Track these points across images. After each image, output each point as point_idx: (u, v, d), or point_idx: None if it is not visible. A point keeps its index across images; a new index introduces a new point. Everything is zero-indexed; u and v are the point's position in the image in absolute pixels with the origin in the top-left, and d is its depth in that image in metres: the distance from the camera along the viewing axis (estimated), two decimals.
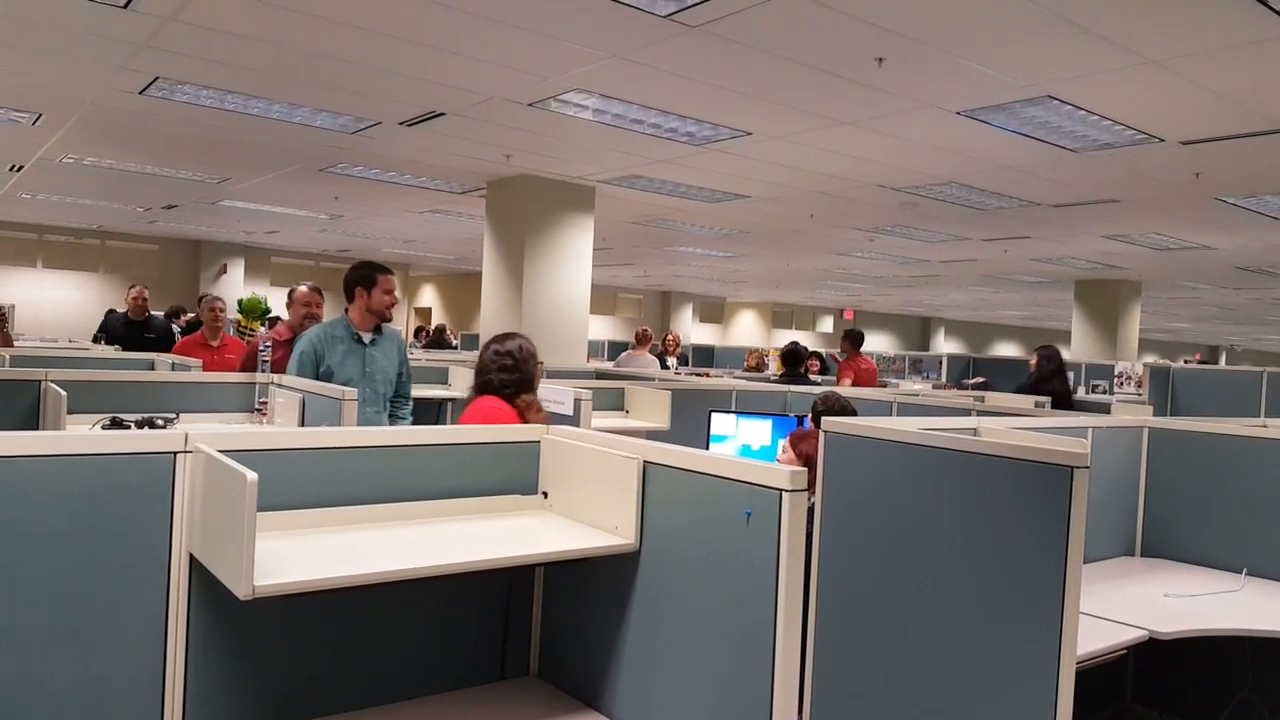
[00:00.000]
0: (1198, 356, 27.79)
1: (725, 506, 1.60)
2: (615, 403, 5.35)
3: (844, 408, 4.06)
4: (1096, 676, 2.56)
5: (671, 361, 10.62)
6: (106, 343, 7.12)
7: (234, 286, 15.66)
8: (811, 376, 7.92)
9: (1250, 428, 3.33)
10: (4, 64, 5.35)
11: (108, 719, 1.55)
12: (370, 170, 8.22)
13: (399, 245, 14.65)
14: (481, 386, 3.01)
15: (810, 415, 4.31)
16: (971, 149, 6.23)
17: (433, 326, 14.91)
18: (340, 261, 17.79)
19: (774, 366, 11.53)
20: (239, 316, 11.77)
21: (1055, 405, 5.85)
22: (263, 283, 16.45)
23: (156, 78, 5.46)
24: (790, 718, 1.51)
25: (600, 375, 7.09)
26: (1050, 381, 6.95)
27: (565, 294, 8.28)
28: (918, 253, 12.12)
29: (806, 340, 23.24)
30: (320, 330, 3.86)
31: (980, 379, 10.50)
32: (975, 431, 2.53)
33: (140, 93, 5.77)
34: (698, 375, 8.89)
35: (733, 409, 5.10)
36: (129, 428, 3.27)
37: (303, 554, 1.59)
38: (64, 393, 3.23)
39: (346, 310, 3.92)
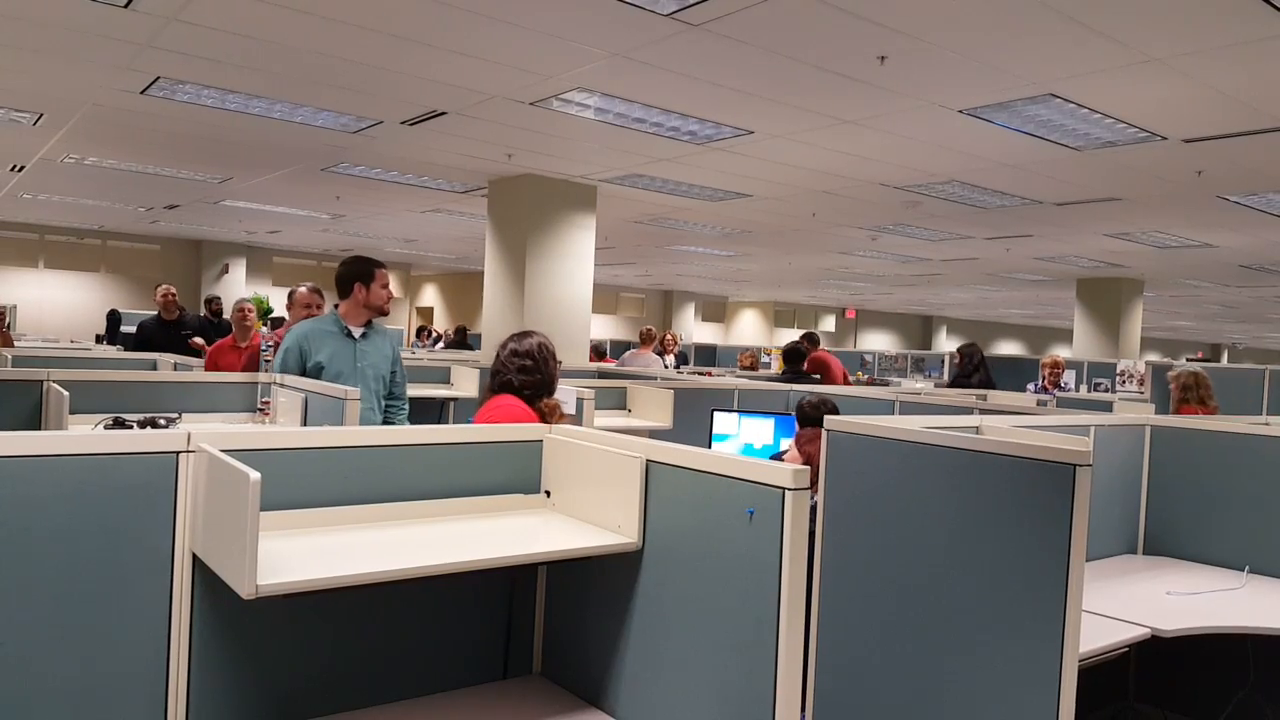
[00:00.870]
0: (1200, 355, 27.76)
1: (728, 505, 1.60)
2: (618, 402, 5.36)
3: (833, 408, 4.09)
4: (1099, 674, 2.56)
5: (669, 360, 10.61)
6: (138, 349, 6.78)
7: (236, 286, 15.67)
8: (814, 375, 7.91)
9: (1252, 426, 3.33)
10: (5, 64, 5.35)
11: (111, 717, 1.56)
12: (372, 170, 8.22)
13: (400, 245, 14.66)
14: (500, 386, 2.90)
15: (796, 415, 4.33)
16: (974, 147, 6.23)
17: (454, 327, 14.84)
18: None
19: (775, 366, 11.53)
20: None
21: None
22: (265, 283, 16.45)
23: (158, 77, 5.46)
24: (794, 715, 1.51)
25: (602, 374, 7.09)
26: (974, 375, 7.75)
27: (567, 293, 8.28)
28: (920, 251, 12.11)
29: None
30: (307, 326, 3.79)
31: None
32: (978, 430, 2.53)
33: (142, 92, 5.77)
34: (700, 374, 8.89)
35: (735, 408, 5.10)
36: (131, 428, 3.28)
37: (305, 553, 1.59)
38: (66, 393, 3.24)
39: (337, 306, 3.86)
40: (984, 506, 2.11)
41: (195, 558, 1.61)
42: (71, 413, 3.26)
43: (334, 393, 3.15)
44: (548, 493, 2.05)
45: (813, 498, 2.08)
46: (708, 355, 14.51)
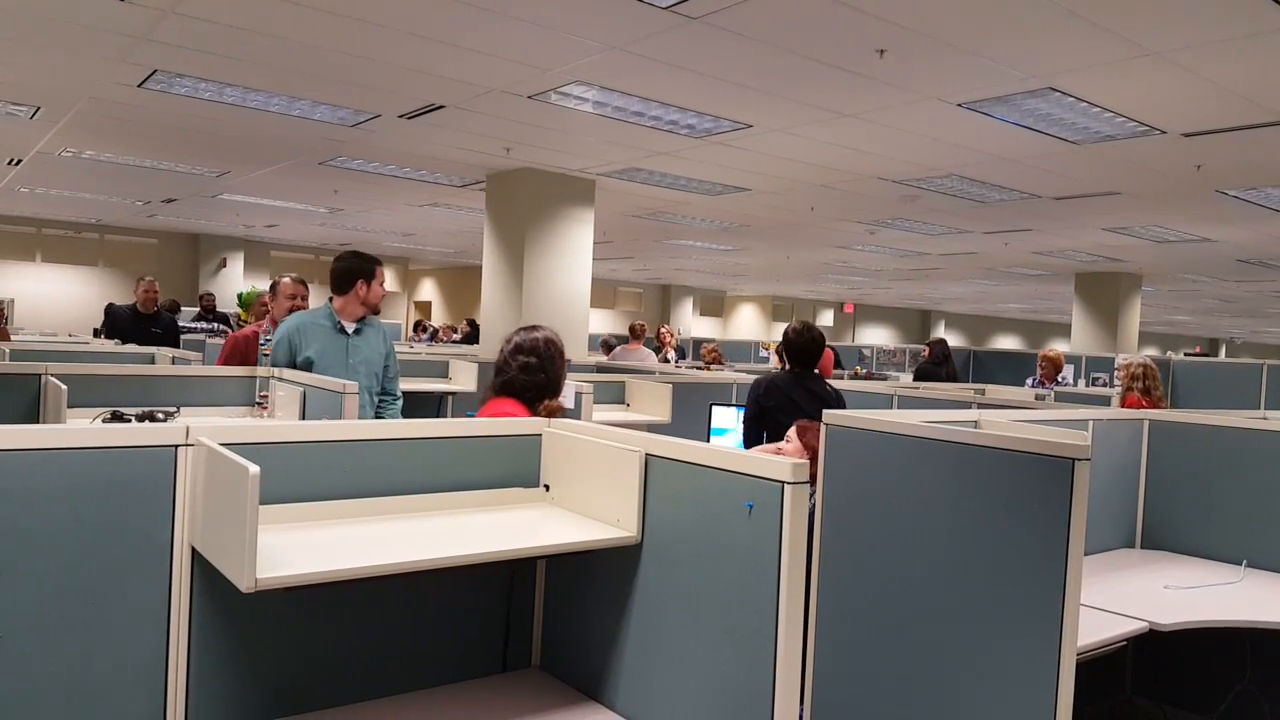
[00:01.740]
0: (1198, 349, 27.79)
1: (727, 499, 1.60)
2: (616, 396, 5.36)
3: (815, 337, 4.16)
4: (1097, 667, 2.56)
5: (670, 354, 10.59)
6: (110, 336, 6.98)
7: (233, 281, 15.65)
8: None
9: (1250, 420, 3.34)
10: (2, 57, 5.34)
11: (110, 711, 1.56)
12: (370, 163, 8.20)
13: (398, 239, 14.64)
14: (502, 387, 2.68)
15: (782, 348, 4.34)
16: (972, 141, 6.22)
17: (465, 321, 14.79)
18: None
19: (773, 361, 11.51)
20: (239, 310, 11.76)
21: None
22: (262, 277, 16.41)
23: (155, 70, 5.44)
24: (792, 708, 1.51)
25: (601, 369, 7.09)
26: (941, 367, 8.00)
27: (565, 287, 8.28)
28: (918, 246, 12.10)
29: None
30: (298, 319, 3.76)
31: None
32: (976, 424, 2.53)
33: (139, 86, 5.76)
34: (698, 369, 8.89)
35: (733, 402, 5.10)
36: (129, 421, 3.27)
37: (304, 546, 1.59)
38: (64, 386, 3.23)
39: (331, 300, 3.82)
40: (982, 501, 2.11)
41: (194, 551, 1.61)
42: (70, 406, 3.26)
43: (333, 386, 3.15)
44: (547, 486, 2.05)
45: (811, 496, 2.05)
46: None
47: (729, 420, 4.82)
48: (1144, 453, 3.50)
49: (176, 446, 1.60)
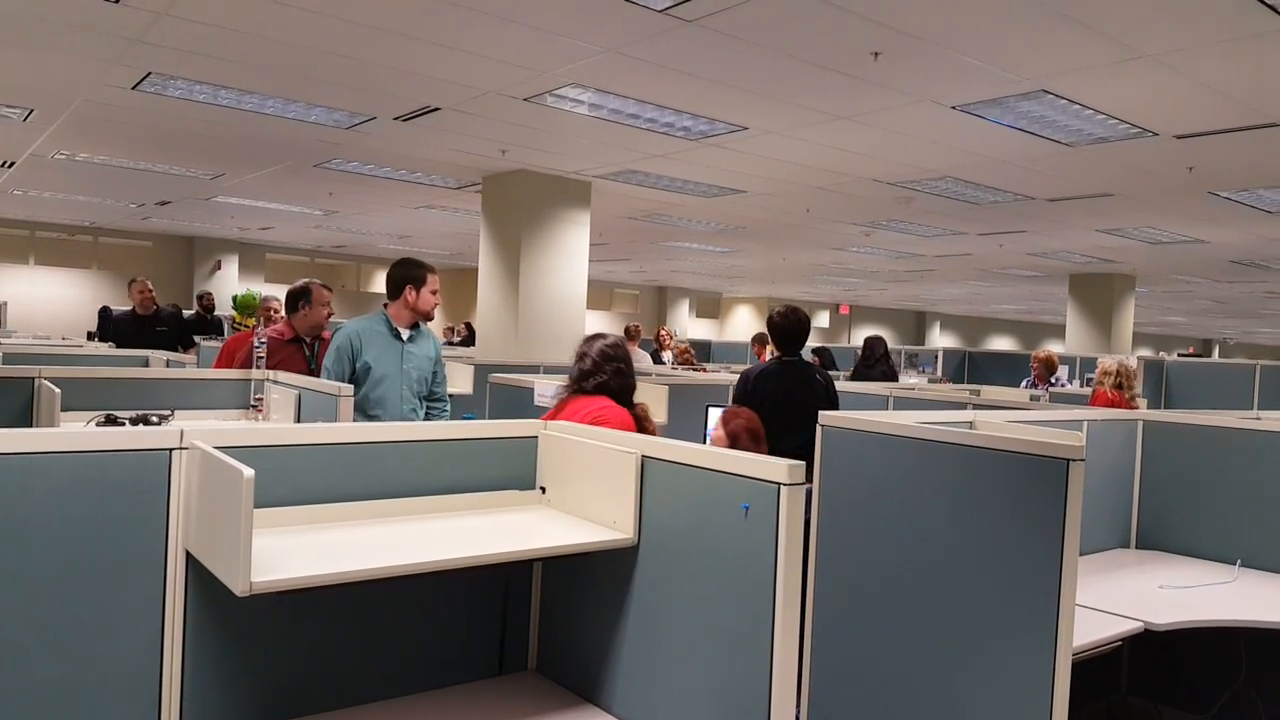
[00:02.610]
0: (1191, 350, 27.88)
1: (723, 501, 1.60)
2: None
3: (800, 319, 4.15)
4: (1092, 667, 2.57)
5: (666, 356, 10.58)
6: (117, 345, 6.80)
7: (228, 283, 15.61)
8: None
9: (1243, 420, 3.35)
10: None
11: (104, 715, 1.55)
12: (365, 166, 8.19)
13: (394, 241, 14.61)
14: (597, 388, 2.88)
15: (768, 334, 4.28)
16: (967, 143, 6.24)
17: (463, 324, 14.78)
18: (335, 258, 17.75)
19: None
20: (234, 313, 11.73)
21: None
22: (257, 279, 16.39)
23: (149, 73, 5.43)
24: (789, 709, 1.51)
25: None
26: (876, 366, 8.02)
27: (561, 289, 8.27)
28: (913, 247, 12.13)
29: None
30: (358, 324, 3.81)
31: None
32: (971, 425, 2.53)
33: (133, 88, 5.74)
34: (695, 370, 8.89)
35: (730, 403, 5.09)
36: (124, 425, 3.26)
37: (299, 550, 1.59)
38: (58, 390, 3.22)
39: (386, 306, 3.87)
40: (978, 501, 2.11)
41: (189, 555, 1.61)
42: (63, 410, 3.24)
43: (327, 389, 3.14)
44: (543, 489, 2.05)
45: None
46: (703, 351, 14.51)
47: None
48: (1138, 453, 3.51)
49: (171, 450, 1.60)
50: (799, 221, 10.28)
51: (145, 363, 4.75)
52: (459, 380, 6.03)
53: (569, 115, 6.00)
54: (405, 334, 3.79)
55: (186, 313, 10.47)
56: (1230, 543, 3.25)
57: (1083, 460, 1.94)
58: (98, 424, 3.27)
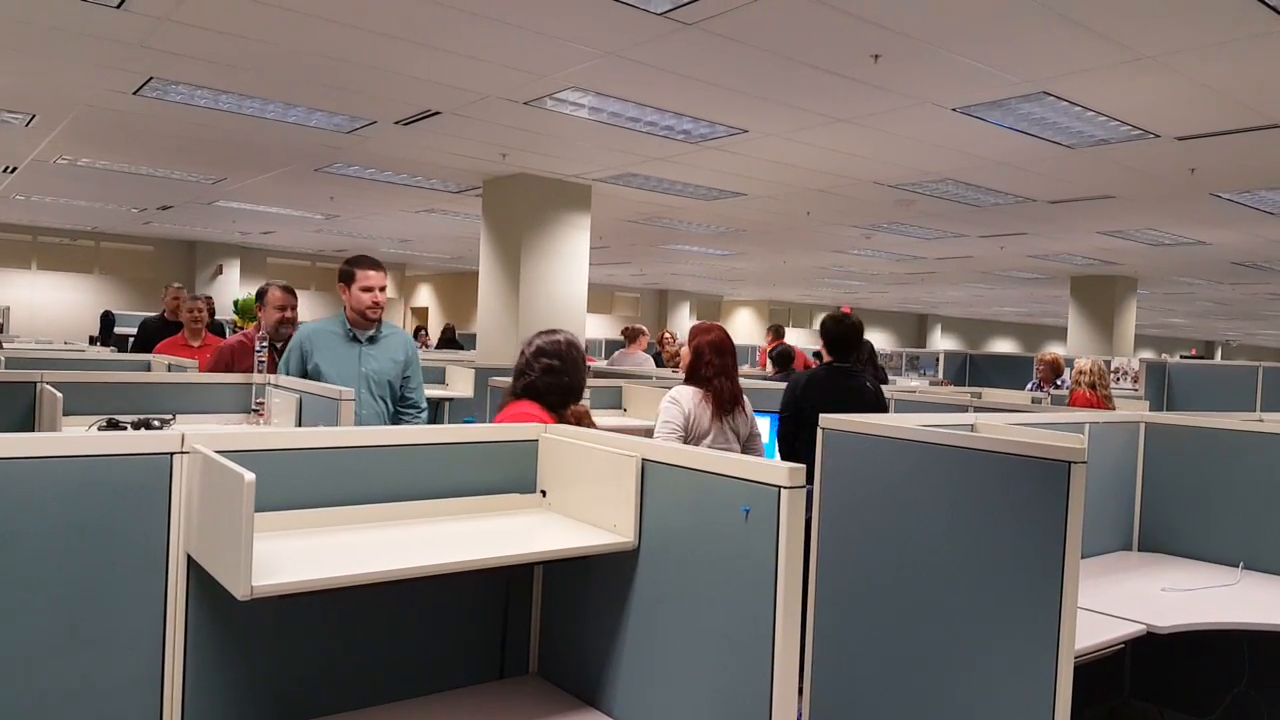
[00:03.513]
0: (1193, 351, 27.85)
1: (724, 504, 1.60)
2: (613, 401, 5.35)
3: (854, 324, 4.15)
4: (1094, 670, 2.56)
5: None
6: (139, 348, 6.79)
7: (230, 287, 15.63)
8: None
9: (1246, 422, 3.34)
10: None
11: None
12: (366, 170, 8.21)
13: (395, 245, 14.63)
14: (524, 390, 2.62)
15: (820, 339, 4.23)
16: (967, 146, 6.24)
17: (443, 326, 14.81)
18: (336, 262, 17.73)
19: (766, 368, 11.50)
20: (235, 317, 11.74)
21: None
22: (259, 284, 16.38)
23: (150, 78, 5.44)
24: (790, 713, 1.51)
25: (597, 374, 7.09)
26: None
27: (562, 293, 8.28)
28: (914, 250, 12.13)
29: (803, 338, 23.26)
30: (314, 326, 3.71)
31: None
32: (973, 428, 2.53)
33: (134, 93, 5.75)
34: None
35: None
36: (125, 429, 3.26)
37: (300, 554, 1.58)
38: (60, 394, 3.22)
39: (345, 308, 3.74)
40: (979, 504, 2.11)
41: (190, 559, 1.61)
42: (65, 414, 3.24)
43: (329, 393, 3.14)
44: (543, 492, 2.05)
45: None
46: None
47: None
48: (1140, 455, 3.50)
49: (172, 454, 1.60)
50: (799, 224, 10.28)
51: (147, 367, 4.75)
52: (459, 384, 6.04)
53: (569, 119, 6.01)
54: (364, 335, 3.61)
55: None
56: (1233, 545, 3.24)
57: (1084, 463, 1.93)
58: (99, 428, 3.27)
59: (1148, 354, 18.62)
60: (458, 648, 1.95)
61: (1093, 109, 5.24)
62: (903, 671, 2.24)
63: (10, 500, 1.46)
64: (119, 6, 4.24)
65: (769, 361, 7.48)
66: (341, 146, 7.18)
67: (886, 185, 7.77)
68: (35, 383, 3.43)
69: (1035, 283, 15.65)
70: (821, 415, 2.49)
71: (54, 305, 14.89)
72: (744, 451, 3.49)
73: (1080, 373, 6.02)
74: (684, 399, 3.44)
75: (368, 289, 3.57)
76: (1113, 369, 9.61)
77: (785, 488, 1.50)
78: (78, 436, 1.59)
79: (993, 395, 6.29)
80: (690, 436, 3.39)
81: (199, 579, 1.61)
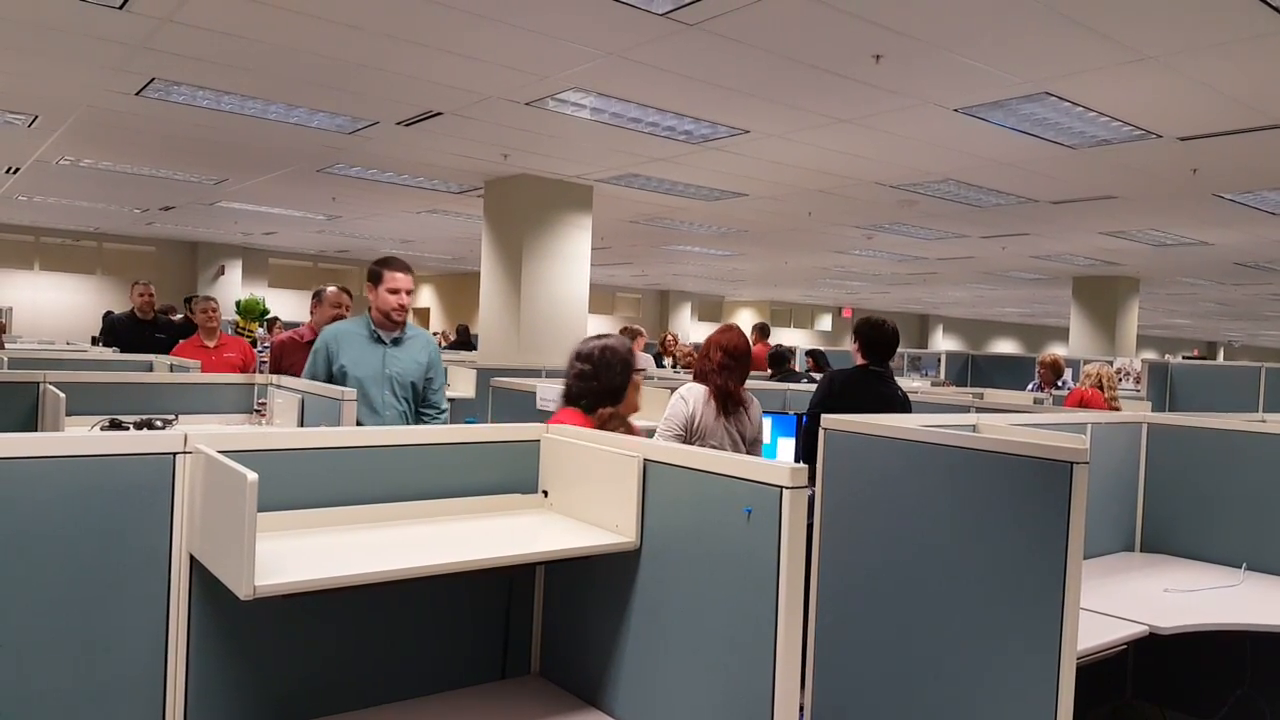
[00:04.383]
0: (1196, 352, 27.81)
1: (726, 504, 1.60)
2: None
3: (893, 329, 4.14)
4: (1097, 671, 2.56)
5: (667, 361, 10.57)
6: (109, 344, 6.87)
7: (232, 288, 15.65)
8: (813, 375, 7.99)
9: (1249, 423, 3.34)
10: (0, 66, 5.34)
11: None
12: (368, 170, 8.21)
13: (396, 245, 14.64)
14: (564, 397, 2.65)
15: (858, 342, 4.20)
16: (969, 146, 6.24)
17: (456, 327, 14.79)
18: (338, 262, 17.78)
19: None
20: (237, 318, 11.76)
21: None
22: (261, 284, 16.43)
23: (153, 79, 5.45)
24: (792, 714, 1.51)
25: None
26: (781, 369, 8.02)
27: (563, 293, 8.28)
28: (916, 250, 12.12)
29: (805, 338, 23.26)
30: (337, 327, 3.69)
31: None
32: (975, 429, 2.53)
33: (137, 94, 5.76)
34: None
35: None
36: (128, 429, 3.27)
37: (303, 554, 1.59)
38: (62, 394, 3.23)
39: (370, 309, 3.73)
40: (982, 505, 2.11)
41: (192, 559, 1.61)
42: (68, 414, 3.25)
43: (330, 393, 3.14)
44: (545, 492, 2.05)
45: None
46: None
47: None
48: (1143, 456, 3.50)
49: (175, 454, 1.60)
50: (801, 225, 10.28)
51: (149, 367, 4.76)
52: (461, 384, 6.04)
53: (571, 119, 6.01)
54: (389, 337, 3.61)
55: (177, 316, 10.45)
56: (1235, 546, 3.24)
57: (1087, 463, 1.93)
58: (102, 429, 3.28)
59: (1150, 354, 18.60)
60: (460, 648, 1.95)
61: (1095, 109, 5.24)
62: (905, 672, 2.24)
63: (13, 500, 1.47)
64: (121, 7, 4.25)
65: (767, 363, 7.49)
66: (343, 147, 7.18)
67: (888, 186, 7.77)
68: (38, 383, 3.44)
69: (1037, 283, 15.63)
70: (824, 415, 2.49)
71: (56, 306, 14.92)
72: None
73: (1087, 375, 6.13)
74: (692, 397, 3.47)
75: (394, 291, 3.58)
76: (1115, 369, 9.60)
77: (787, 488, 1.50)
78: (80, 436, 1.59)
79: (995, 396, 6.28)
80: (693, 435, 3.40)
81: (201, 579, 1.62)
